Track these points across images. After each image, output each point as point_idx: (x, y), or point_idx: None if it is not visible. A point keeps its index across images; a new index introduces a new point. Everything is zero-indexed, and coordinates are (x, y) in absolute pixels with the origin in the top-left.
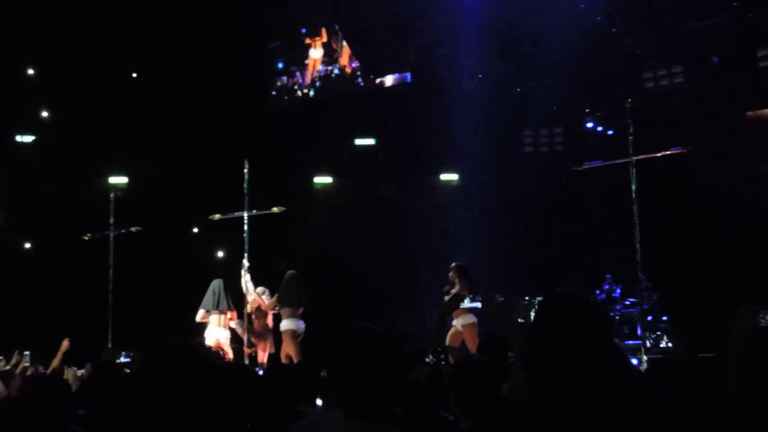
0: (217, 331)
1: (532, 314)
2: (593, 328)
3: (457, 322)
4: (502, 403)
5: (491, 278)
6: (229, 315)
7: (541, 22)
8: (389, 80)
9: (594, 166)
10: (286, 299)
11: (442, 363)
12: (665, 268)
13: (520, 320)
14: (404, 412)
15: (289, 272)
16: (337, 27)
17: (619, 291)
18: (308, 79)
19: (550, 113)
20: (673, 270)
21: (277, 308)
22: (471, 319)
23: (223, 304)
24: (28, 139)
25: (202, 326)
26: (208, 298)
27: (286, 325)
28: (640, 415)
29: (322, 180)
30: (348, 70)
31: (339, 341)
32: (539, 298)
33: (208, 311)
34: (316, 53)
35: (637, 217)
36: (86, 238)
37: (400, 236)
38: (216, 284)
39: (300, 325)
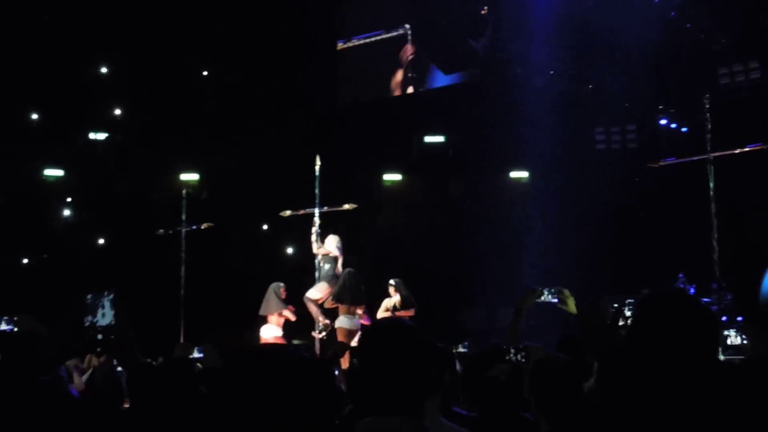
0: (271, 329)
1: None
2: (700, 327)
3: (338, 320)
4: (584, 404)
5: (561, 277)
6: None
7: (614, 17)
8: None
9: (670, 163)
10: (345, 298)
11: (523, 361)
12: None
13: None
14: (481, 411)
15: (347, 270)
16: (407, 26)
17: (692, 290)
18: None
19: (623, 110)
20: (752, 270)
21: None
22: (345, 323)
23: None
24: (102, 136)
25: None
26: (273, 302)
27: (341, 322)
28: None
29: (392, 177)
30: None
31: (367, 334)
32: (629, 300)
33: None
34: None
35: (715, 215)
36: (159, 233)
37: (468, 234)
38: (275, 287)
39: (356, 323)
